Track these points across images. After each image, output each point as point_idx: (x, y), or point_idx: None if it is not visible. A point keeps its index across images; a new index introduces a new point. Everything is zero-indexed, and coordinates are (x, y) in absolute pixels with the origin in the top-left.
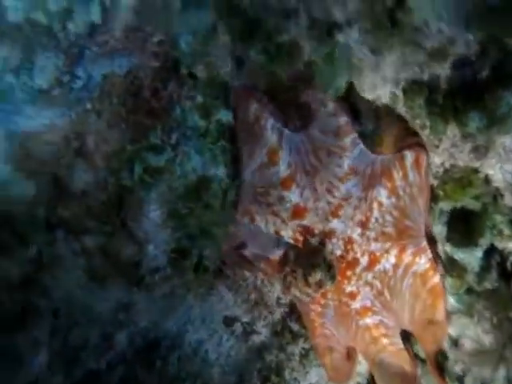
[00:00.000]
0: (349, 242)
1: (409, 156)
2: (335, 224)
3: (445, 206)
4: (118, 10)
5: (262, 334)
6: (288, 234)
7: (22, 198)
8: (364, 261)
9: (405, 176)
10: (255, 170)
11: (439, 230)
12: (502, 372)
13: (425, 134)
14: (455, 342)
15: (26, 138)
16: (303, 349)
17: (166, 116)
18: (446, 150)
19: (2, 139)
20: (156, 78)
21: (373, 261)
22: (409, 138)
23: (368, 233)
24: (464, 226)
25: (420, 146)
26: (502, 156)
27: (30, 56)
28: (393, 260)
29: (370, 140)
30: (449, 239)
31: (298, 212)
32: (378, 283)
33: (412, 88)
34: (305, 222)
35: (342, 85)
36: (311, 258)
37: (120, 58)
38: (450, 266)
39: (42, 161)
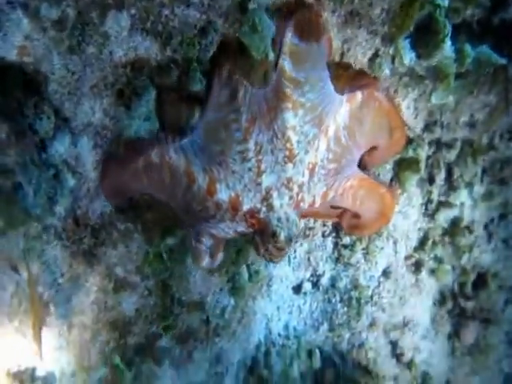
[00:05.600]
0: (288, 182)
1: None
2: (266, 181)
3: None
4: None
5: (326, 271)
6: (243, 226)
7: None
8: (307, 174)
9: (293, 81)
10: (182, 196)
11: (408, 56)
12: None
13: None
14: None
15: None
16: (363, 249)
17: None
18: None
19: None
20: None
21: (312, 168)
22: None
23: (298, 157)
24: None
25: None
26: None
27: None
28: (324, 145)
29: None
30: (419, 56)
31: (234, 204)
32: (331, 156)
33: None
34: (245, 207)
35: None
36: (268, 230)
37: None
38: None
39: None
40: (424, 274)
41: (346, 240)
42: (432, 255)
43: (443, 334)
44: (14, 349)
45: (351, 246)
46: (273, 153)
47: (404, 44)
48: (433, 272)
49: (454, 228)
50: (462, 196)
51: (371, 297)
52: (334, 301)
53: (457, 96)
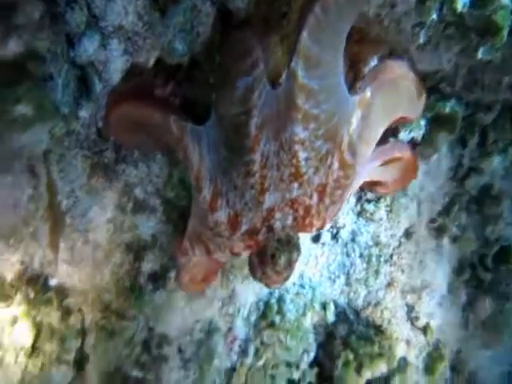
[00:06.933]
0: (293, 203)
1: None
2: (269, 200)
3: None
4: None
5: (347, 224)
6: (240, 247)
7: None
8: (315, 197)
9: (306, 89)
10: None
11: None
12: None
13: None
14: None
15: None
16: (386, 206)
17: None
18: None
19: None
20: None
21: (322, 190)
22: None
23: (305, 177)
24: None
25: None
26: None
27: None
28: (336, 163)
29: None
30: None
31: (233, 224)
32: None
33: None
34: (244, 228)
35: None
36: (267, 252)
37: None
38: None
39: None
40: (446, 240)
41: (371, 195)
42: (456, 222)
43: (458, 304)
44: (28, 255)
45: (375, 202)
46: (278, 168)
47: None
48: (455, 239)
49: (482, 196)
50: (495, 163)
51: (391, 256)
52: (352, 255)
53: (503, 54)
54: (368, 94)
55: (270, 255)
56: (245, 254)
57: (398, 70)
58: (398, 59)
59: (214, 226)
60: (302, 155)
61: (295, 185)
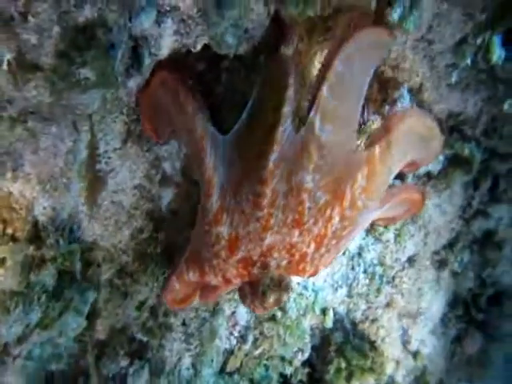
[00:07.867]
0: (291, 247)
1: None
2: (270, 239)
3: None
4: None
5: (356, 238)
6: (233, 274)
7: None
8: (312, 246)
9: (320, 147)
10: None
11: (498, 53)
12: None
13: None
14: None
15: None
16: (395, 230)
17: None
18: None
19: None
20: None
21: (320, 241)
22: None
23: (306, 226)
24: None
25: None
26: None
27: None
28: (337, 217)
29: None
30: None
31: (232, 244)
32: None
33: None
34: (240, 255)
35: None
36: (259, 287)
37: None
38: None
39: None
40: (446, 273)
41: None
42: (458, 258)
43: (448, 336)
44: (60, 204)
45: (380, 232)
46: (284, 211)
47: (496, 39)
48: (455, 274)
49: (486, 240)
50: (502, 211)
51: (393, 278)
52: (357, 269)
53: None
54: (377, 150)
55: (261, 291)
56: (236, 283)
57: (413, 120)
58: (412, 108)
59: (215, 241)
60: (307, 204)
61: (296, 232)
